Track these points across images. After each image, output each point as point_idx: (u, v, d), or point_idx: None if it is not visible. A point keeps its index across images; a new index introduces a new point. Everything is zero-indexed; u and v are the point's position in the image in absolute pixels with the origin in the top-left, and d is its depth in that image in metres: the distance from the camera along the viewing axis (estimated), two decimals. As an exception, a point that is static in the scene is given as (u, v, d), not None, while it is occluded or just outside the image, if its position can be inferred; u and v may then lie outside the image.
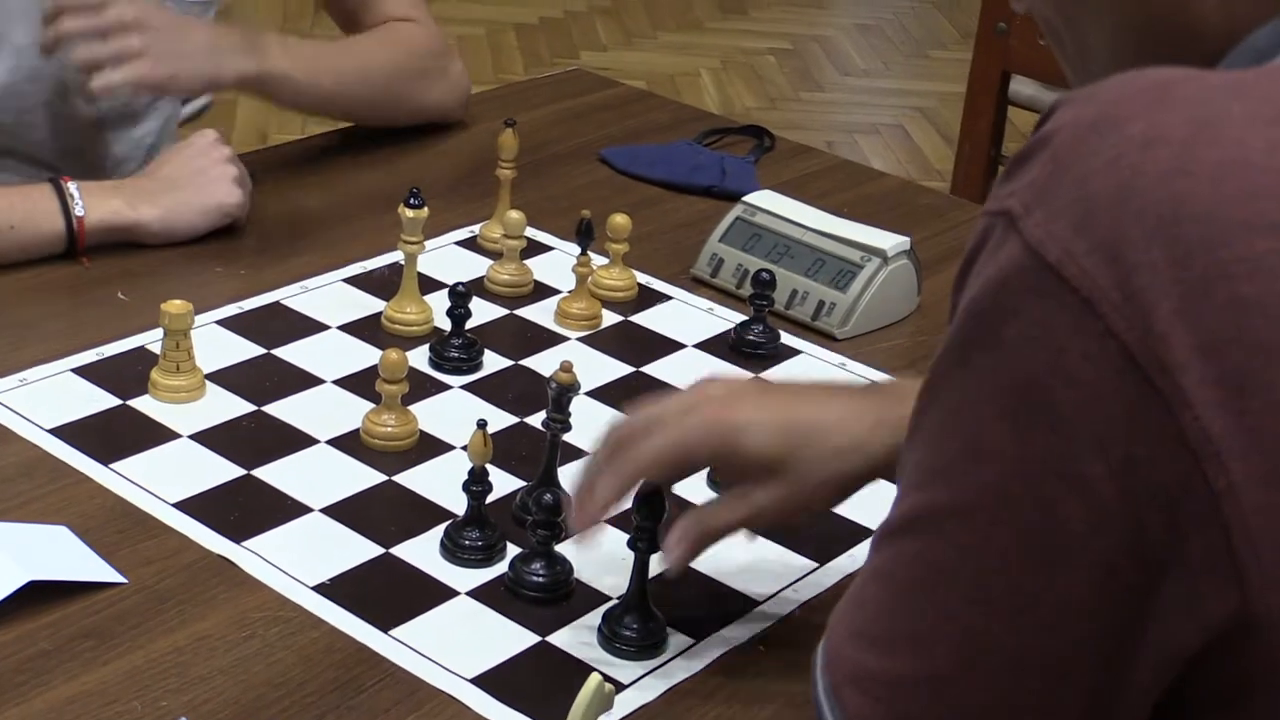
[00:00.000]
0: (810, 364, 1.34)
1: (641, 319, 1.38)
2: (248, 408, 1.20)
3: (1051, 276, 0.62)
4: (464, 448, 1.09)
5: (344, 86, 1.64)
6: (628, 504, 0.99)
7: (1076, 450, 0.62)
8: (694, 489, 1.06)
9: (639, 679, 0.97)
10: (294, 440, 1.17)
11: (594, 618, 1.02)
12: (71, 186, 1.41)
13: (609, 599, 1.04)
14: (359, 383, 1.23)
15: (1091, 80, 0.78)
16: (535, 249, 1.46)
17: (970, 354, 0.66)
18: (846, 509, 1.12)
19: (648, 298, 1.41)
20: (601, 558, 1.06)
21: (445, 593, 1.03)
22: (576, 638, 1.00)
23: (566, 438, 1.10)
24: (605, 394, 1.26)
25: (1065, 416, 0.62)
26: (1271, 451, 0.59)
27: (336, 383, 1.24)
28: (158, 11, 1.50)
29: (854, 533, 1.13)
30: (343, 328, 1.32)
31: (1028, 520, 0.64)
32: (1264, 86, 0.65)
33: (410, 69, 1.69)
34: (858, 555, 1.10)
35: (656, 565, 1.00)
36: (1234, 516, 0.59)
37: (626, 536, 0.99)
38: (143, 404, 1.19)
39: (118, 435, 1.15)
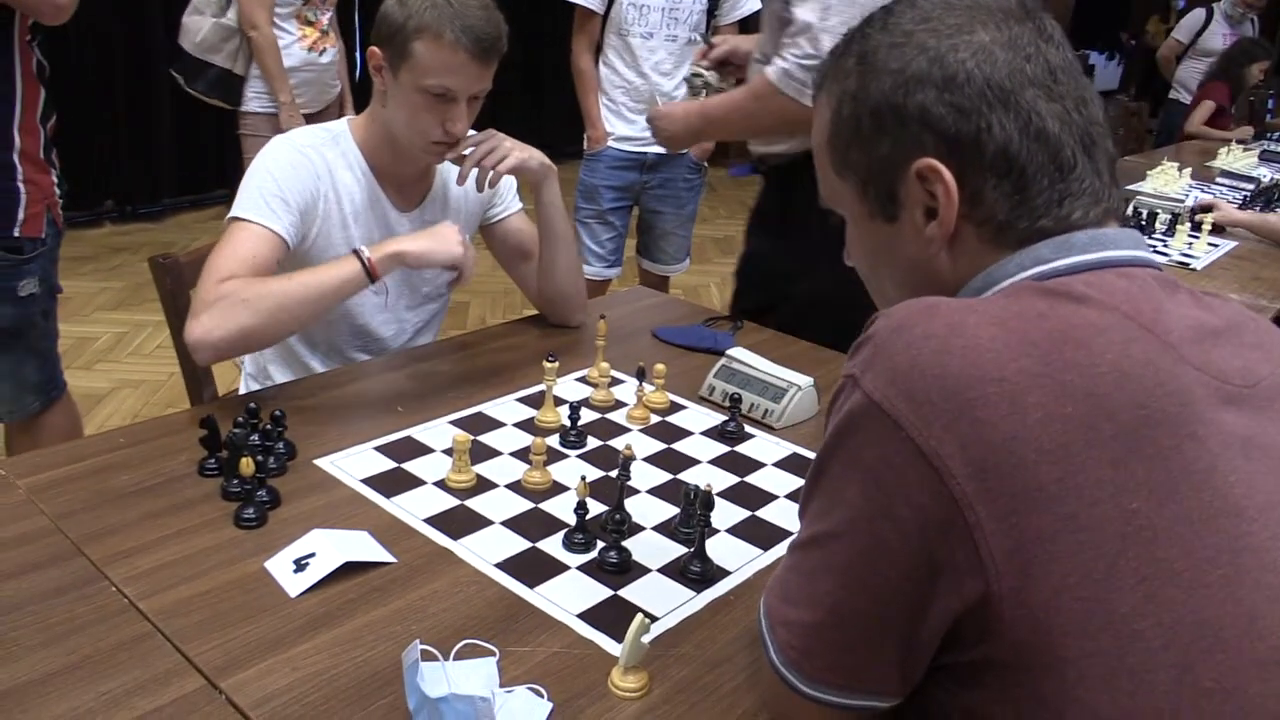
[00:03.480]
0: (761, 442, 1.30)
1: (672, 419, 1.36)
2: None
3: (877, 410, 0.61)
4: (575, 489, 1.08)
5: None
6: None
7: (894, 503, 0.60)
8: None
9: (664, 616, 0.94)
10: (488, 485, 1.15)
11: (645, 581, 0.99)
12: (363, 249, 1.30)
13: (650, 570, 1.00)
14: (522, 455, 1.22)
15: (884, 299, 0.77)
16: (615, 382, 1.44)
17: (838, 452, 0.64)
18: (777, 520, 1.11)
19: (675, 408, 1.39)
20: (648, 552, 1.03)
21: (563, 567, 1.01)
22: (632, 593, 0.97)
23: (629, 484, 1.09)
24: (651, 460, 1.24)
25: (887, 485, 0.61)
26: (999, 503, 0.58)
27: (511, 454, 1.23)
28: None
29: (779, 533, 1.09)
30: (515, 425, 1.30)
31: (869, 541, 0.62)
32: (983, 305, 0.65)
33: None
34: (782, 548, 1.06)
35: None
36: (979, 539, 0.58)
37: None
38: (410, 466, 1.17)
39: (395, 483, 1.14)
